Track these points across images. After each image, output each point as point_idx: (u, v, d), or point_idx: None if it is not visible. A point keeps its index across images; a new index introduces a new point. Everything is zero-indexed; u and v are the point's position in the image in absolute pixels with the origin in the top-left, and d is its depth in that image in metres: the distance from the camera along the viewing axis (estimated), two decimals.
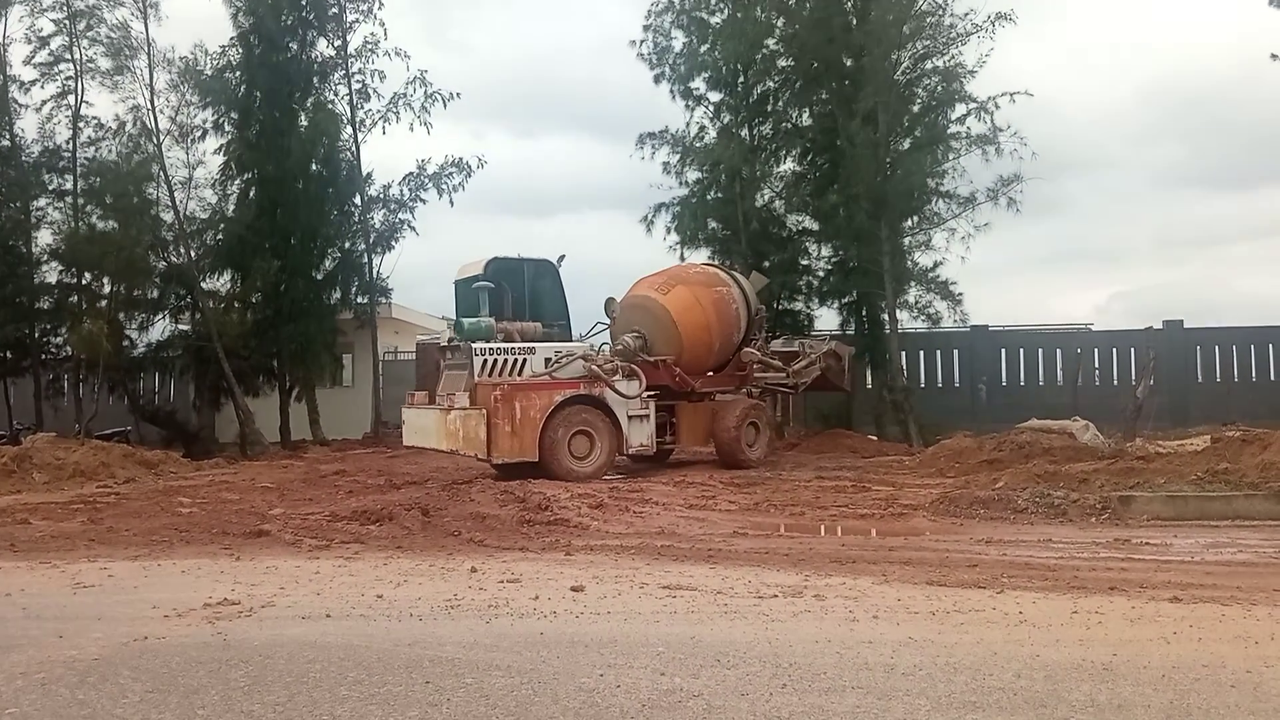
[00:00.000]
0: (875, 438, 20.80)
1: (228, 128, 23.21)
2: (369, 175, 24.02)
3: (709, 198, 23.31)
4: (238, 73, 23.00)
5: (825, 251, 23.99)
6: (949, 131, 21.10)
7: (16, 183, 22.71)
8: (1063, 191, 45.96)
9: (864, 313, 23.47)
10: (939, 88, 21.03)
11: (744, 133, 23.42)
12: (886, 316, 21.84)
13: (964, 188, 21.21)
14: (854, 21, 21.37)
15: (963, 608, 5.82)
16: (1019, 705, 4.00)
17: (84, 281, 22.87)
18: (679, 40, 23.37)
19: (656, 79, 23.47)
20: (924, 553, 7.96)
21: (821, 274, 24.01)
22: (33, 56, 22.34)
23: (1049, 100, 46.67)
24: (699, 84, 23.48)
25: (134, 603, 6.30)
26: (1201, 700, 4.06)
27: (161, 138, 22.17)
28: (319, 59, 23.78)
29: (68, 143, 22.80)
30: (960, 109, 20.76)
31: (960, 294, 21.87)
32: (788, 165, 24.20)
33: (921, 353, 24.47)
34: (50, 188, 23.31)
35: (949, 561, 7.46)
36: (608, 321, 14.98)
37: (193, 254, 22.82)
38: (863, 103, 20.30)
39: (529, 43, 63.55)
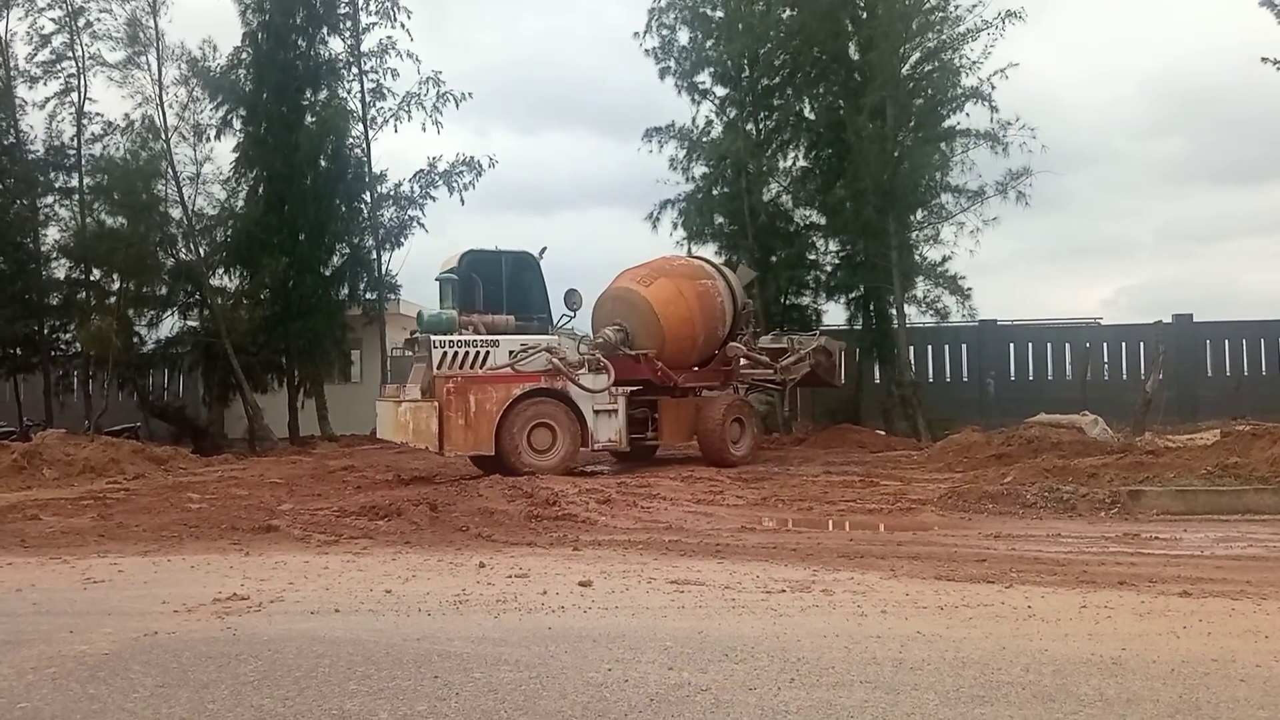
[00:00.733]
0: (883, 432, 20.78)
1: (236, 124, 23.28)
2: (383, 174, 24.07)
3: (715, 193, 23.29)
4: (247, 70, 23.04)
5: (832, 246, 24.00)
6: (957, 125, 21.07)
7: (23, 179, 22.78)
8: (1066, 186, 45.90)
9: (872, 307, 23.43)
10: (945, 82, 20.96)
11: (750, 127, 23.38)
12: (894, 311, 21.80)
13: (972, 182, 21.18)
14: (863, 15, 21.31)
15: (971, 602, 5.81)
16: (1027, 699, 3.99)
17: (93, 278, 22.95)
18: (684, 35, 23.35)
19: (662, 74, 23.47)
20: (932, 547, 7.95)
21: (829, 269, 24.00)
22: (35, 54, 22.42)
23: (1051, 95, 46.52)
24: (704, 78, 23.48)
25: (144, 598, 6.33)
26: (1211, 694, 4.05)
27: (170, 134, 22.23)
28: (329, 56, 23.82)
29: (73, 139, 22.87)
30: (961, 98, 20.71)
31: (969, 288, 21.85)
32: (794, 160, 24.17)
33: (929, 347, 24.44)
34: (57, 185, 23.40)
35: (957, 556, 7.44)
36: (570, 314, 14.66)
37: (202, 250, 22.88)
38: (870, 96, 20.25)
39: (530, 40, 63.57)
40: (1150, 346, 21.66)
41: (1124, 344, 23.83)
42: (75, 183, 23.06)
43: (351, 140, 23.61)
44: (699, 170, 23.46)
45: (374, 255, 23.97)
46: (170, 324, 23.85)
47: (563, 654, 4.77)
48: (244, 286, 23.40)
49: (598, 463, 16.01)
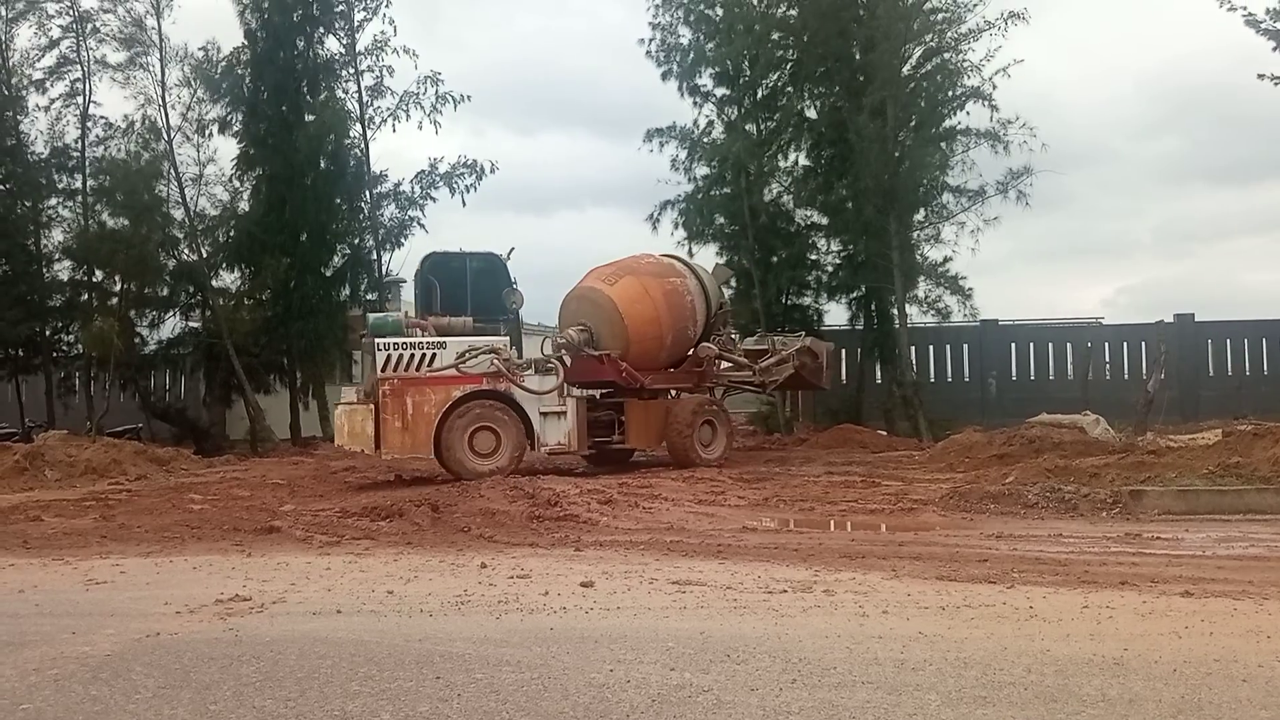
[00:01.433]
0: (885, 433, 20.78)
1: (236, 125, 23.30)
2: (382, 174, 24.06)
3: (716, 193, 23.32)
4: (246, 70, 23.05)
5: (834, 246, 24.01)
6: (957, 125, 21.08)
7: (27, 181, 22.82)
8: (1064, 186, 45.95)
9: (873, 307, 23.44)
10: (946, 82, 20.97)
11: (751, 127, 23.40)
12: (896, 311, 21.81)
13: (973, 181, 21.19)
14: (864, 15, 21.31)
15: (973, 603, 5.81)
16: (1029, 700, 3.99)
17: (95, 279, 22.99)
18: (685, 36, 23.36)
19: (664, 75, 23.50)
20: (934, 548, 7.95)
21: (830, 269, 24.01)
22: (41, 58, 22.50)
23: (1048, 94, 46.59)
24: (706, 79, 23.50)
25: (146, 599, 6.33)
26: (1213, 695, 4.04)
27: (173, 135, 22.29)
28: (327, 56, 23.82)
29: (76, 142, 22.93)
30: (962, 97, 20.72)
31: (970, 288, 21.86)
32: (795, 160, 24.19)
33: (931, 347, 24.44)
34: (60, 186, 23.44)
35: (959, 556, 7.44)
36: (509, 316, 14.39)
37: (203, 251, 22.92)
38: (871, 96, 20.25)
39: (524, 40, 63.63)
40: (1152, 346, 21.64)
41: (1125, 344, 23.82)
42: (78, 184, 23.11)
43: (350, 140, 23.62)
44: (700, 171, 23.49)
45: (374, 255, 23.98)
46: (172, 325, 23.93)
47: (565, 655, 4.77)
48: (245, 287, 23.44)
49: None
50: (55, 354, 23.59)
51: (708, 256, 24.25)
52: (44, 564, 7.94)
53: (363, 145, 23.64)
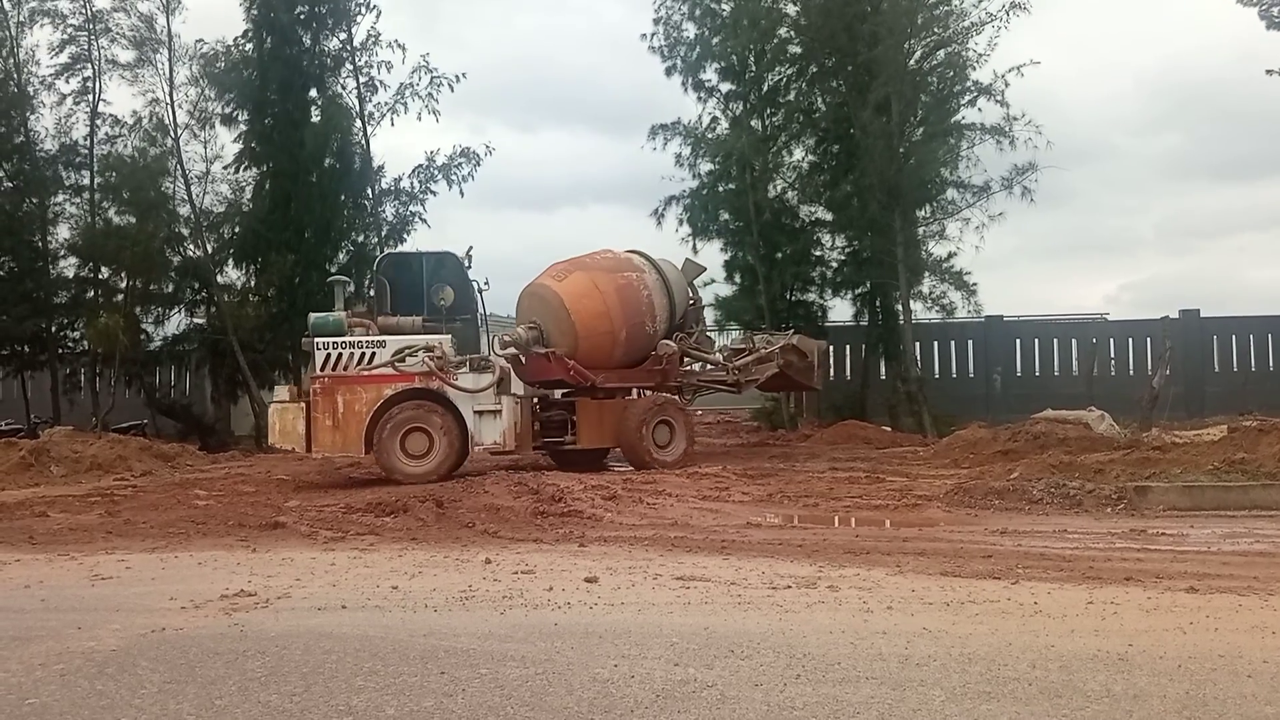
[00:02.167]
0: (889, 429, 20.77)
1: (242, 122, 23.33)
2: (380, 168, 24.08)
3: (721, 189, 23.29)
4: (251, 67, 23.08)
5: (838, 242, 23.99)
6: (963, 120, 21.05)
7: (34, 178, 22.89)
8: (1066, 182, 45.85)
9: (878, 303, 23.44)
10: (951, 75, 20.95)
11: (756, 123, 23.37)
12: (900, 307, 21.79)
13: (978, 177, 21.18)
14: (868, 10, 21.29)
15: (977, 598, 5.81)
16: (1034, 695, 3.99)
17: (101, 276, 23.04)
18: (690, 31, 23.33)
19: (668, 71, 23.47)
20: (938, 544, 7.95)
21: (834, 265, 24.00)
22: (57, 54, 22.57)
23: (1049, 90, 46.49)
24: (710, 75, 23.47)
25: (151, 594, 6.34)
26: (1218, 690, 4.04)
27: (180, 132, 22.35)
28: (330, 52, 23.83)
29: (85, 139, 22.99)
30: (972, 92, 20.72)
31: (975, 284, 21.84)
32: (800, 155, 24.17)
33: (935, 343, 24.42)
34: (67, 183, 23.51)
35: (964, 552, 7.44)
36: (439, 315, 13.82)
37: (208, 248, 22.95)
38: (876, 92, 20.23)
39: (524, 37, 63.52)
40: (1157, 342, 21.61)
41: (1130, 339, 23.78)
42: (85, 181, 23.17)
43: (352, 136, 23.63)
44: (704, 167, 23.46)
45: (379, 253, 23.97)
46: (177, 321, 23.99)
47: (569, 650, 4.77)
48: (250, 284, 23.46)
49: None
50: (61, 350, 23.65)
51: (712, 252, 24.31)
52: (49, 559, 7.96)
53: (364, 141, 23.68)
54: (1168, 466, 10.53)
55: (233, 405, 23.94)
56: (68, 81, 22.71)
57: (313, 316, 13.61)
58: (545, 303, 14.34)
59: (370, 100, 23.68)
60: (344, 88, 23.73)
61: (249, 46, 23.06)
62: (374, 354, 12.90)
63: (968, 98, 20.85)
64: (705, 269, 16.30)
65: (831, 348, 24.71)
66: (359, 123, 23.58)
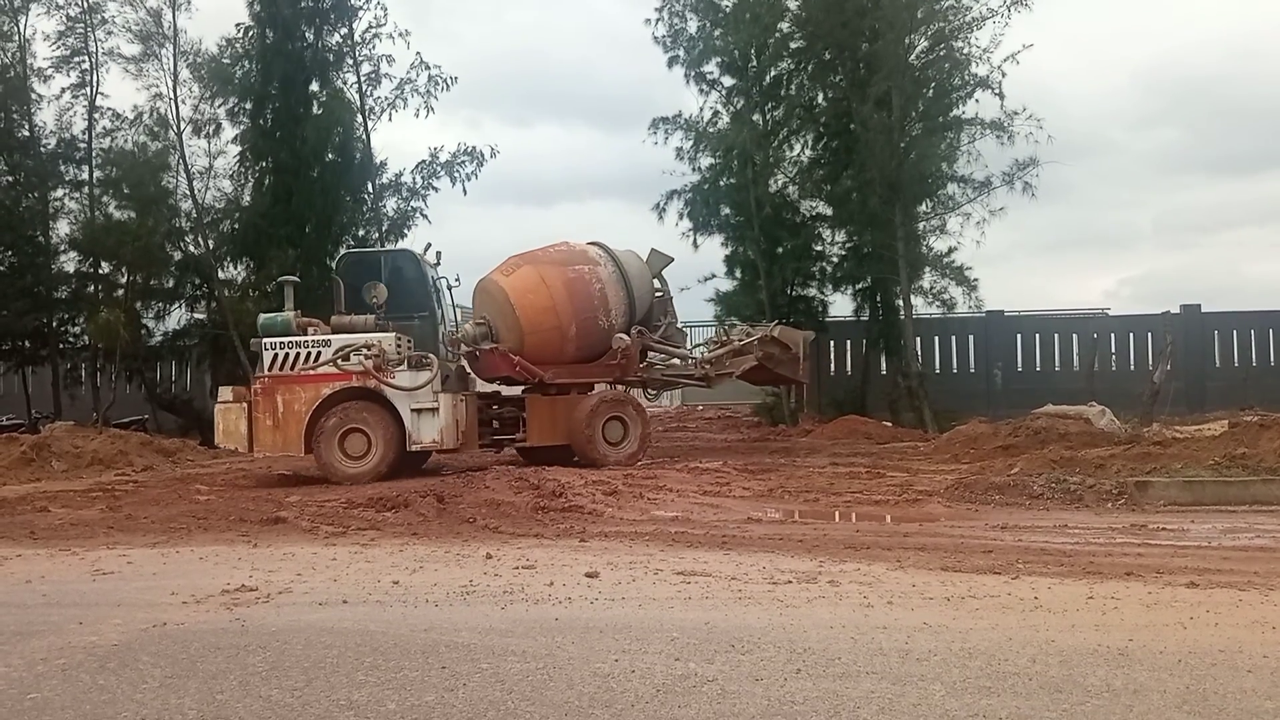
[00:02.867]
0: (890, 424, 20.76)
1: (243, 116, 23.32)
2: (382, 163, 24.08)
3: (722, 183, 23.27)
4: (253, 61, 23.07)
5: (839, 237, 23.99)
6: (963, 115, 21.04)
7: (35, 173, 22.90)
8: (1063, 177, 45.92)
9: (878, 298, 23.43)
10: (949, 70, 20.94)
11: (757, 117, 23.36)
12: (901, 302, 21.78)
13: (979, 172, 21.17)
14: (868, 4, 21.27)
15: (978, 593, 5.81)
16: (1034, 690, 3.99)
17: (101, 271, 23.04)
18: (693, 24, 23.33)
19: (670, 63, 23.47)
20: (939, 538, 7.95)
21: (835, 260, 23.98)
22: (53, 47, 22.56)
23: (1045, 84, 46.44)
24: (712, 68, 23.45)
25: (153, 589, 6.35)
26: (1218, 685, 4.04)
27: (184, 126, 22.36)
28: (332, 47, 23.82)
29: (84, 133, 22.99)
30: (970, 84, 20.71)
31: (975, 279, 21.83)
32: (801, 150, 24.16)
33: (936, 338, 24.42)
34: (67, 178, 23.51)
35: (964, 547, 7.44)
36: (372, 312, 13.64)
37: (209, 243, 22.95)
38: (876, 86, 20.22)
39: (517, 32, 63.52)
40: (1158, 337, 21.61)
41: (1131, 334, 23.77)
42: (85, 176, 23.18)
43: (353, 131, 23.63)
44: (705, 161, 23.46)
45: (379, 247, 23.98)
46: (178, 316, 23.99)
47: (570, 645, 4.78)
48: (251, 279, 23.45)
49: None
50: (61, 345, 23.66)
51: (713, 247, 24.32)
52: (51, 555, 7.96)
53: (365, 136, 23.68)
54: (1168, 461, 10.53)
55: None
56: (66, 74, 22.75)
57: (262, 317, 13.62)
58: (492, 298, 14.21)
59: (371, 95, 23.72)
60: (345, 82, 23.74)
61: (251, 41, 23.05)
62: (319, 353, 12.81)
63: (965, 90, 20.82)
64: (672, 259, 15.62)
65: (832, 343, 24.77)
66: (360, 117, 23.59)
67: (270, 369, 12.83)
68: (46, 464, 14.93)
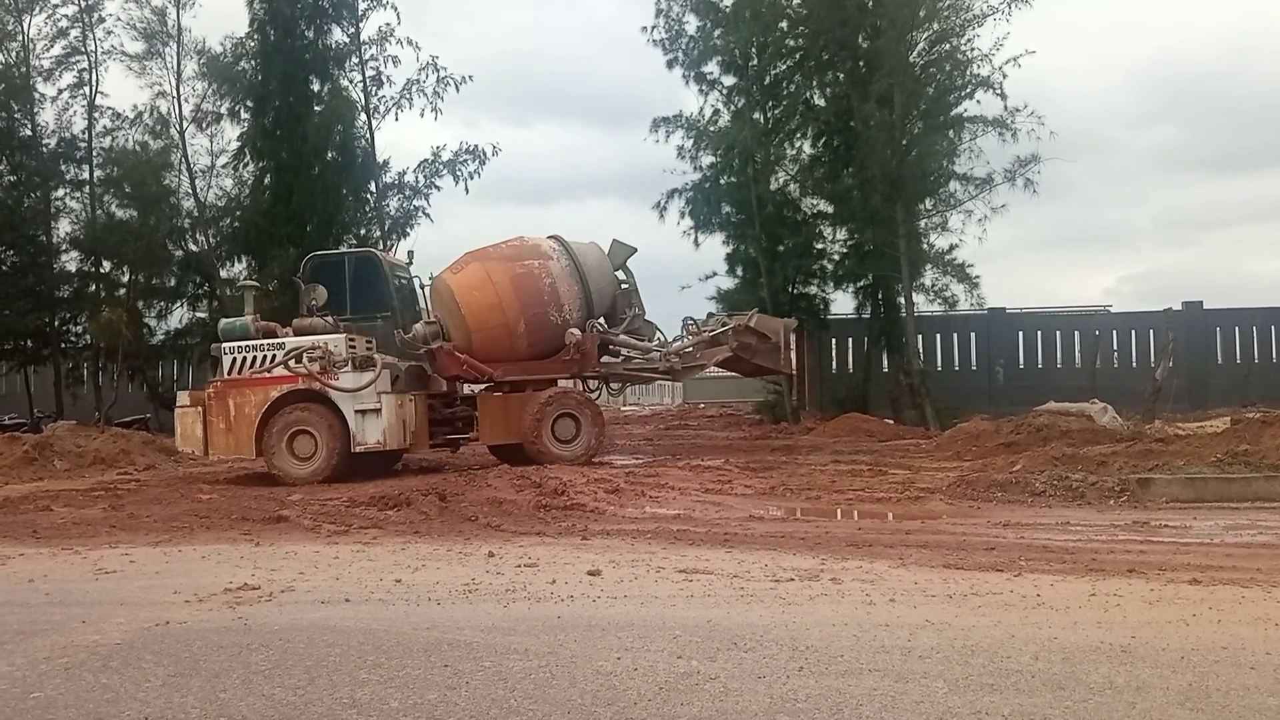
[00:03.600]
0: (892, 421, 20.76)
1: (244, 115, 23.35)
2: (385, 163, 24.10)
3: (723, 182, 23.28)
4: (254, 60, 23.09)
5: (840, 235, 23.99)
6: (964, 113, 21.03)
7: (36, 172, 22.92)
8: (1062, 174, 45.99)
9: (880, 296, 23.42)
10: (950, 69, 20.92)
11: (757, 116, 23.35)
12: (903, 300, 21.77)
13: (980, 169, 21.15)
14: (869, 3, 21.26)
15: (980, 590, 5.81)
16: (1037, 687, 3.99)
17: (103, 270, 23.07)
18: (692, 24, 23.32)
19: (670, 64, 23.46)
20: (941, 536, 7.95)
21: (837, 257, 23.99)
22: (50, 47, 22.60)
23: (1043, 82, 46.55)
24: (712, 68, 23.45)
25: (155, 588, 6.36)
26: (1221, 682, 4.04)
27: (186, 125, 22.40)
28: (334, 46, 23.84)
29: (84, 132, 23.01)
30: (972, 84, 20.69)
31: (977, 277, 21.83)
32: (802, 148, 24.16)
33: (938, 335, 24.40)
34: (69, 177, 23.54)
35: (966, 545, 7.44)
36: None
37: (210, 242, 22.97)
38: (878, 84, 20.20)
39: (513, 31, 63.71)
40: (1160, 334, 21.59)
41: (1133, 331, 23.75)
42: (86, 175, 23.21)
43: (356, 130, 23.65)
44: (706, 159, 23.47)
45: (381, 246, 23.99)
46: (180, 315, 24.03)
47: (572, 643, 4.78)
48: (252, 277, 23.45)
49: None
50: (64, 344, 23.69)
51: (715, 245, 24.34)
52: (54, 553, 7.97)
53: (368, 135, 23.70)
54: (1171, 459, 10.52)
55: None
56: (63, 74, 22.78)
57: (222, 322, 13.73)
58: (441, 296, 14.15)
59: (375, 95, 23.74)
60: (350, 81, 23.78)
61: (253, 40, 23.07)
62: (274, 356, 12.89)
63: (967, 90, 20.80)
64: (634, 250, 15.00)
65: (834, 340, 24.76)
66: (364, 116, 23.62)
67: (229, 373, 12.97)
68: (49, 463, 14.94)
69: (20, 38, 22.60)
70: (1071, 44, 54.73)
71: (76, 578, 6.89)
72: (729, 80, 23.50)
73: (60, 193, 23.55)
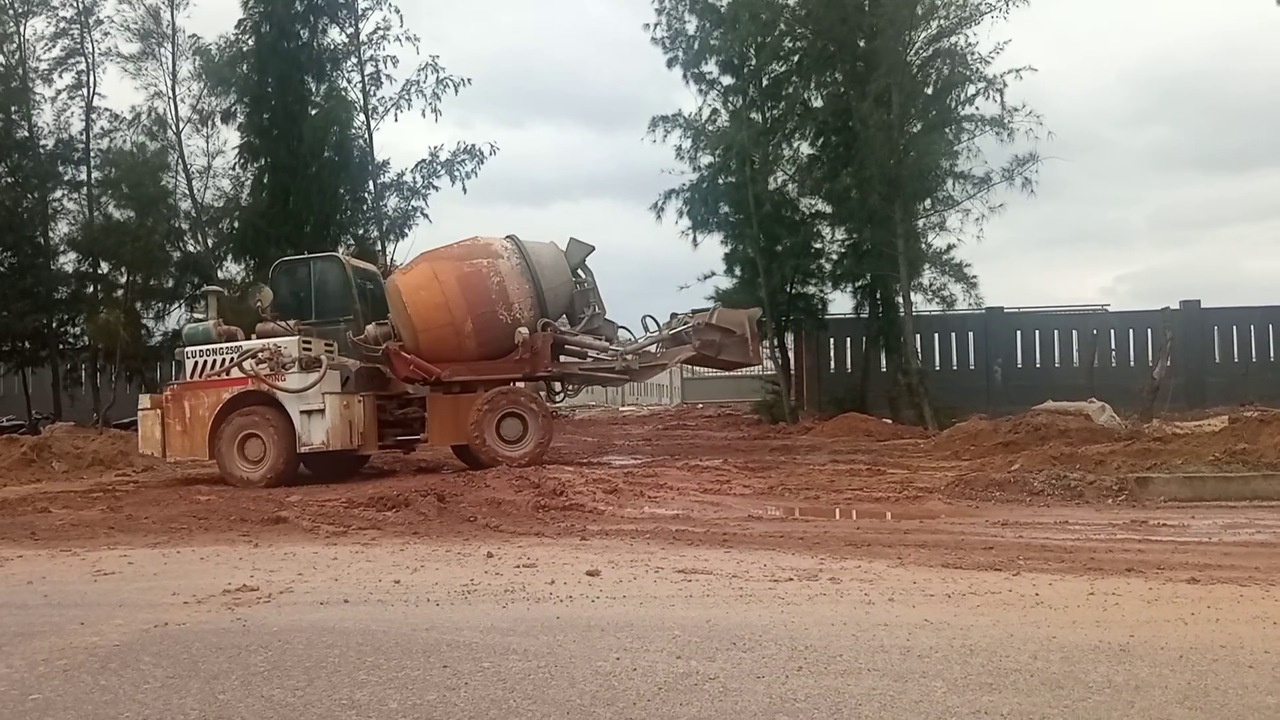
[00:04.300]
0: (890, 421, 20.78)
1: (240, 115, 23.35)
2: (384, 163, 24.11)
3: (721, 182, 23.28)
4: (250, 61, 23.09)
5: (838, 234, 24.00)
6: (962, 112, 21.05)
7: (34, 174, 22.92)
8: (1057, 174, 46.11)
9: (878, 295, 23.44)
10: (949, 69, 20.96)
11: (755, 115, 23.36)
12: (901, 299, 21.78)
13: (978, 169, 21.19)
14: (866, 3, 21.27)
15: (979, 590, 5.81)
16: (1035, 686, 3.99)
17: (101, 271, 23.08)
18: (691, 24, 23.33)
19: (670, 63, 23.48)
20: (940, 535, 7.95)
21: (835, 257, 24.00)
22: (50, 49, 22.62)
23: (1035, 82, 46.56)
24: (711, 67, 23.46)
25: (154, 590, 6.35)
26: (1219, 681, 4.04)
27: (182, 126, 22.40)
28: (331, 46, 23.86)
29: (81, 134, 23.03)
30: (972, 89, 20.75)
31: (975, 276, 21.86)
32: (800, 148, 24.17)
33: (936, 335, 24.43)
34: (66, 178, 23.54)
35: (965, 544, 7.44)
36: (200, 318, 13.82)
37: (208, 242, 22.97)
38: (876, 84, 20.21)
39: (506, 32, 63.95)
40: (1157, 333, 21.62)
41: (1131, 331, 23.78)
42: (84, 176, 23.22)
43: (354, 130, 23.67)
44: (704, 159, 23.47)
45: (379, 246, 24.02)
46: (177, 316, 24.02)
47: (571, 643, 4.78)
48: (250, 278, 23.46)
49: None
50: (61, 346, 23.69)
51: (713, 245, 24.36)
52: (52, 555, 7.96)
53: (367, 135, 23.71)
54: (1169, 458, 10.53)
55: None
56: (61, 75, 22.79)
57: (186, 326, 13.89)
58: (390, 296, 14.05)
59: (374, 94, 23.76)
60: (349, 81, 23.80)
61: (249, 40, 23.07)
62: (230, 360, 13.00)
63: (967, 95, 20.86)
64: (592, 248, 14.60)
65: (832, 340, 24.78)
66: (362, 116, 23.64)
67: (190, 376, 13.13)
68: (47, 465, 14.94)
69: (17, 40, 22.60)
70: (1064, 44, 55.04)
71: (75, 579, 6.88)
72: (727, 80, 23.53)
73: (58, 194, 23.57)
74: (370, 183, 23.90)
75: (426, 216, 24.27)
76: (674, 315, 15.15)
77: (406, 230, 24.20)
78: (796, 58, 23.34)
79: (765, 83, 23.45)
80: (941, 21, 20.61)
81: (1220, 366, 23.42)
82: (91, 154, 23.02)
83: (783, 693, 3.97)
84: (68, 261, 23.61)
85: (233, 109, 23.26)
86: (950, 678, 4.11)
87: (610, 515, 9.49)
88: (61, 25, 22.55)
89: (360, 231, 24.23)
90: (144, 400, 13.67)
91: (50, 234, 23.29)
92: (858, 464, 13.52)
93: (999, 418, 16.20)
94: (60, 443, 15.75)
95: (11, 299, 22.14)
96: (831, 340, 24.89)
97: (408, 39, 23.56)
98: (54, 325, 23.25)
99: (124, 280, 23.09)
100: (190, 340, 13.47)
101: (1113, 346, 23.75)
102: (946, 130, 20.83)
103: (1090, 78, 53.06)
